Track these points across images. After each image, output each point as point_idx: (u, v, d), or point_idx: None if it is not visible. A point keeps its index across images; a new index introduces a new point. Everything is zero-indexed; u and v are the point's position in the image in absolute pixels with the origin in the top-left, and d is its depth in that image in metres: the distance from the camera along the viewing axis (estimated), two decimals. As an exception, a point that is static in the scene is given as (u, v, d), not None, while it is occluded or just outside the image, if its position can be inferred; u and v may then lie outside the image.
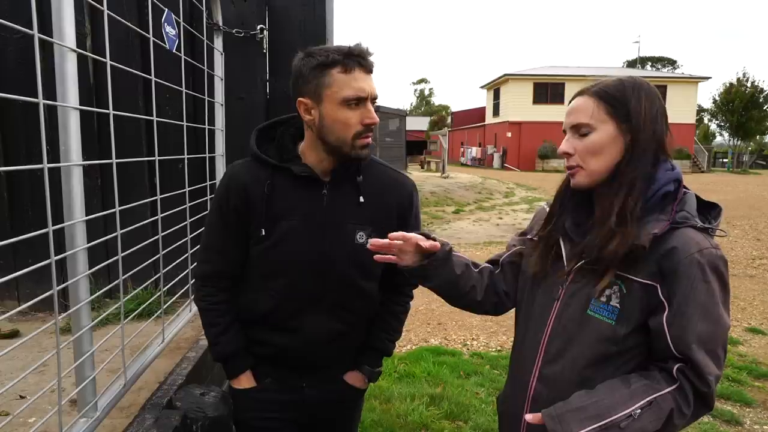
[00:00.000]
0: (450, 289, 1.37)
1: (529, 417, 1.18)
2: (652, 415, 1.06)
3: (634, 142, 1.16)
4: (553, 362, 1.23)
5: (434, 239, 1.32)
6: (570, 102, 1.25)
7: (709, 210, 1.19)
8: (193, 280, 2.22)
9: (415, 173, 20.80)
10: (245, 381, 1.54)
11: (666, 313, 1.09)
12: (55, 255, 1.16)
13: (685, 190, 1.19)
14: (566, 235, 1.27)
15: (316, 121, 1.39)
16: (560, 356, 1.22)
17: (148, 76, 1.72)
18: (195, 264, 2.21)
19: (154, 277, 1.97)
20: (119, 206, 1.52)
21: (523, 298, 1.37)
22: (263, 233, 1.44)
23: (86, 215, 1.34)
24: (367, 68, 1.37)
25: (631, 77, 1.21)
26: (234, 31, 2.62)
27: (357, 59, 1.34)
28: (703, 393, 1.07)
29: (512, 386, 1.37)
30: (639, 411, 1.06)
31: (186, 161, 2.12)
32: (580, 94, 1.23)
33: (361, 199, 1.46)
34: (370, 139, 1.41)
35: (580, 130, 1.20)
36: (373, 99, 1.39)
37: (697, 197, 1.21)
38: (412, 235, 1.28)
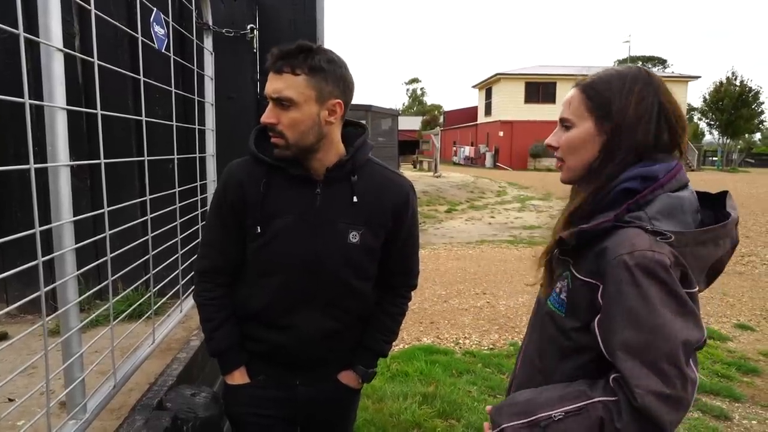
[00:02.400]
0: None
1: (488, 408, 1.21)
2: (579, 421, 1.01)
3: (609, 143, 1.10)
4: (527, 348, 1.28)
5: None
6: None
7: (720, 219, 1.09)
8: (184, 281, 2.22)
9: (407, 173, 20.79)
10: (239, 377, 1.55)
11: (599, 315, 1.05)
12: (44, 256, 1.16)
13: (682, 188, 1.09)
14: None
15: None
16: (531, 343, 1.27)
17: (137, 76, 1.71)
18: (186, 264, 2.21)
19: (144, 278, 1.96)
20: (108, 207, 1.51)
21: None
22: (259, 230, 1.45)
23: (75, 216, 1.33)
24: (275, 69, 1.35)
25: (630, 69, 1.14)
26: (224, 30, 2.61)
27: (271, 60, 1.36)
28: (637, 408, 0.95)
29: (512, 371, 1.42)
30: (562, 414, 1.02)
31: (176, 161, 2.11)
32: (576, 85, 1.19)
33: (355, 199, 1.46)
34: (275, 139, 1.40)
35: (564, 123, 1.18)
36: (279, 99, 1.35)
37: (711, 199, 1.13)
38: None
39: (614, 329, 1.00)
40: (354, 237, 1.46)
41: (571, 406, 1.02)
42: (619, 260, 1.00)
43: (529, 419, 1.06)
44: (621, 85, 1.10)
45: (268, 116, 1.37)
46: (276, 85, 1.34)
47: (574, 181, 1.21)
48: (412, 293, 1.71)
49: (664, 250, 1.00)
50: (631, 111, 1.09)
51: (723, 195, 1.15)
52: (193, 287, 1.58)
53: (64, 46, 1.25)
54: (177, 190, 2.13)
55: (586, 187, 1.13)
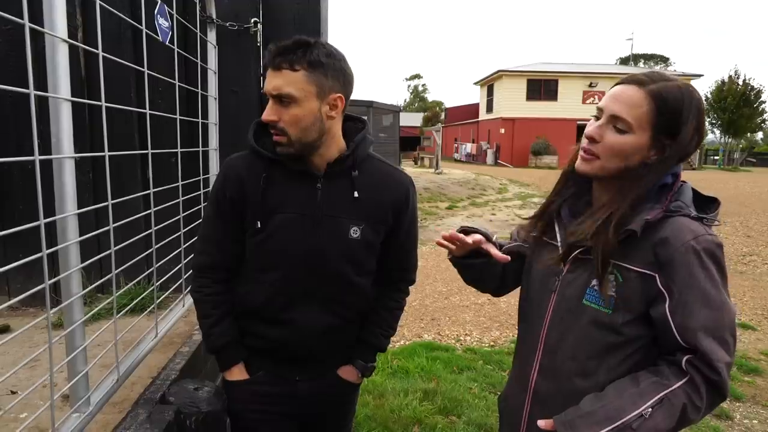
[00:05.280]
0: (476, 276, 1.47)
1: (541, 423, 1.17)
2: (664, 412, 1.05)
3: (668, 156, 1.14)
4: (552, 354, 1.23)
5: (495, 244, 1.39)
6: (619, 84, 1.18)
7: (708, 204, 1.18)
8: (187, 275, 2.22)
9: (408, 169, 20.79)
10: (237, 373, 1.54)
11: (667, 302, 1.08)
12: (47, 249, 1.15)
13: (681, 182, 1.18)
14: (561, 220, 1.27)
15: None
16: (558, 348, 1.22)
17: (141, 69, 1.70)
18: (188, 258, 2.20)
19: (147, 272, 1.96)
20: (111, 200, 1.51)
21: (525, 294, 1.37)
22: (259, 226, 1.44)
23: (78, 209, 1.32)
24: (274, 66, 1.34)
25: (689, 87, 1.15)
26: (228, 24, 2.60)
27: (269, 57, 1.34)
28: (714, 381, 1.05)
29: (514, 382, 1.37)
30: (650, 410, 1.04)
31: (179, 155, 2.10)
32: (637, 83, 1.14)
33: (356, 195, 1.46)
34: (277, 137, 1.38)
35: (616, 122, 1.14)
36: (279, 96, 1.34)
37: (696, 192, 1.20)
38: (481, 239, 1.36)
39: (692, 312, 1.06)
40: (355, 232, 1.46)
41: (652, 400, 1.05)
42: (687, 246, 1.07)
43: (616, 424, 1.05)
44: (689, 106, 1.13)
45: (268, 114, 1.36)
46: (275, 81, 1.33)
47: (600, 178, 1.21)
48: (411, 288, 1.71)
49: (714, 232, 1.11)
50: (691, 131, 1.13)
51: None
52: (191, 283, 1.57)
53: (67, 38, 1.24)
54: (180, 183, 2.12)
55: (628, 187, 1.14)
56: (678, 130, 1.12)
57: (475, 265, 1.41)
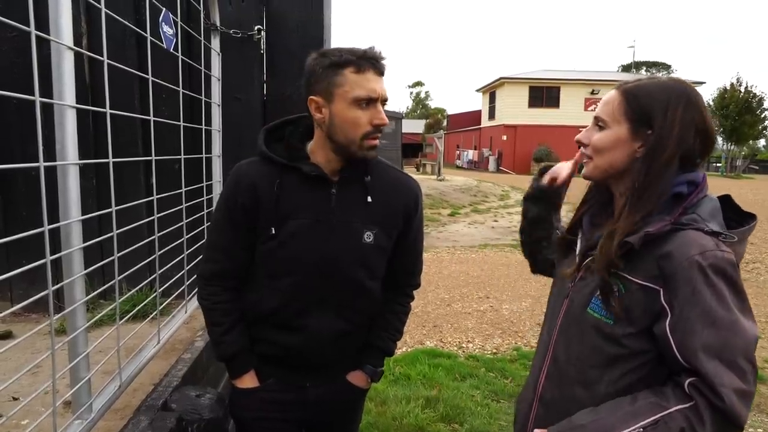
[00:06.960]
0: (539, 224, 1.58)
1: None
2: None
3: (651, 151, 1.11)
4: (559, 360, 1.23)
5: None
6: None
7: (747, 219, 1.13)
8: (189, 281, 2.22)
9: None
10: (249, 381, 1.53)
11: (669, 319, 1.03)
12: (50, 255, 1.15)
13: (706, 195, 1.13)
14: (582, 231, 1.28)
15: (326, 119, 1.39)
16: (564, 354, 1.21)
17: (145, 75, 1.71)
18: (191, 264, 2.20)
19: (150, 278, 1.96)
20: (114, 207, 1.51)
21: (549, 299, 1.38)
22: (273, 232, 1.43)
23: (82, 215, 1.33)
24: (379, 70, 1.37)
25: (676, 82, 1.14)
26: (231, 31, 2.61)
27: (370, 61, 1.35)
28: (720, 408, 0.97)
29: (526, 384, 1.37)
30: (641, 430, 1.00)
31: (183, 161, 2.11)
32: (617, 87, 1.19)
33: (369, 199, 1.46)
34: (377, 140, 1.41)
35: (598, 122, 1.19)
36: (384, 101, 1.39)
37: (734, 205, 1.16)
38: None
39: (693, 330, 1.01)
40: (368, 237, 1.46)
41: (646, 421, 1.01)
42: (691, 261, 1.01)
43: None
44: (665, 98, 1.11)
45: (383, 119, 1.39)
46: (383, 86, 1.38)
47: (599, 179, 1.22)
48: (415, 293, 1.71)
49: (728, 249, 1.04)
50: (675, 124, 1.10)
51: (722, 198, 1.19)
52: (197, 289, 1.56)
53: (73, 45, 1.25)
54: (183, 190, 2.13)
55: (643, 199, 1.11)
56: (651, 118, 1.10)
57: (549, 197, 1.57)
